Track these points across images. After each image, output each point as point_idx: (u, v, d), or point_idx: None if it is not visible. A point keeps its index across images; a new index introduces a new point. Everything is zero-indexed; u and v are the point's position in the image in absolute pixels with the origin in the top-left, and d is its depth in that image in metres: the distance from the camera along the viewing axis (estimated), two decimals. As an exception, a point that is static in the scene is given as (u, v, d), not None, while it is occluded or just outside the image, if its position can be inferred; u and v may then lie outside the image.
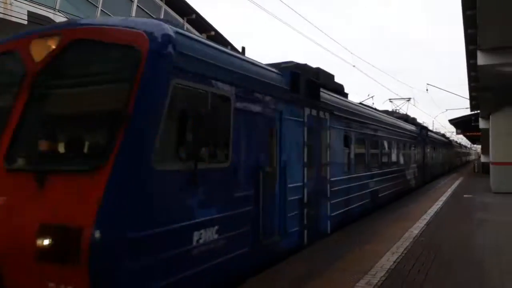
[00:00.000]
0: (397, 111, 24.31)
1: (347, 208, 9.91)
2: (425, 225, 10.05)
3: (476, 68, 17.30)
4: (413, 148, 19.20)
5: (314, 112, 8.05)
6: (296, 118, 7.29)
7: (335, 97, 9.95)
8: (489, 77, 18.36)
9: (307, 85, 7.76)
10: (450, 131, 54.71)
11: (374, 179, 12.57)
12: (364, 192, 11.47)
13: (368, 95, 17.55)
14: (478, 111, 31.14)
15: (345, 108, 10.24)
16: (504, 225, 10.11)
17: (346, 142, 10.28)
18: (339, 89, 10.87)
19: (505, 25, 13.57)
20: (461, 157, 65.91)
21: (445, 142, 38.12)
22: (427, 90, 38.96)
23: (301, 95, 7.45)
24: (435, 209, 12.80)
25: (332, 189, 8.84)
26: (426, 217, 11.26)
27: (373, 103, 20.17)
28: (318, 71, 9.35)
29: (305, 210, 7.49)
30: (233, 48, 9.08)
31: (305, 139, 7.62)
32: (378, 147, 13.50)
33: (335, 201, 9.04)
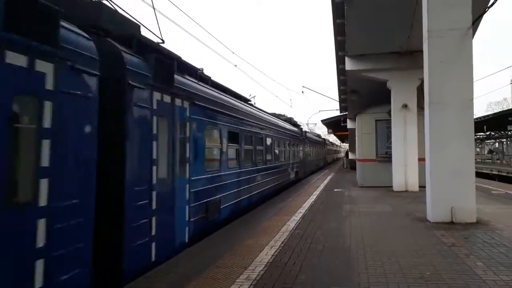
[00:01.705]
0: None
1: None
2: (300, 218, 10.63)
3: (345, 72, 18.91)
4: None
5: None
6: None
7: None
8: (355, 81, 20.23)
9: None
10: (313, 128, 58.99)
11: None
12: None
13: (250, 95, 17.70)
14: (347, 113, 34.20)
15: None
16: (367, 215, 11.18)
17: None
18: None
19: (365, 35, 15.09)
20: (326, 156, 54.82)
21: (293, 134, 23.14)
22: (302, 92, 41.84)
23: None
24: (310, 203, 13.64)
25: None
26: (302, 210, 11.94)
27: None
28: None
29: None
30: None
31: None
32: None
33: None
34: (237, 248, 7.46)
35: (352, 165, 35.25)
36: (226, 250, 7.29)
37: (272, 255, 6.89)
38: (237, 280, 5.59)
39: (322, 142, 47.51)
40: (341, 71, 19.94)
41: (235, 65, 21.61)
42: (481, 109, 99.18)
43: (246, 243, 7.85)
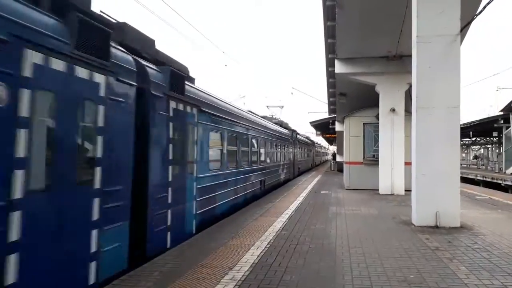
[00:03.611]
0: None
1: None
2: (287, 219, 10.64)
3: (334, 75, 19.00)
4: None
5: None
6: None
7: None
8: (344, 84, 20.35)
9: None
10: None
11: None
12: None
13: (240, 94, 17.44)
14: (335, 115, 34.38)
15: None
16: (353, 217, 11.24)
17: None
18: None
19: (355, 38, 15.20)
20: (311, 157, 48.91)
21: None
22: (292, 93, 41.98)
23: None
24: (297, 204, 13.67)
25: None
26: (288, 211, 11.95)
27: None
28: None
29: None
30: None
31: None
32: None
33: None
34: (222, 248, 7.44)
35: (339, 167, 35.41)
36: (212, 250, 7.27)
37: (258, 256, 6.89)
38: (222, 280, 5.57)
39: (288, 137, 27.21)
40: (331, 74, 20.04)
41: (225, 65, 21.59)
42: (468, 115, 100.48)
43: (232, 243, 7.84)
